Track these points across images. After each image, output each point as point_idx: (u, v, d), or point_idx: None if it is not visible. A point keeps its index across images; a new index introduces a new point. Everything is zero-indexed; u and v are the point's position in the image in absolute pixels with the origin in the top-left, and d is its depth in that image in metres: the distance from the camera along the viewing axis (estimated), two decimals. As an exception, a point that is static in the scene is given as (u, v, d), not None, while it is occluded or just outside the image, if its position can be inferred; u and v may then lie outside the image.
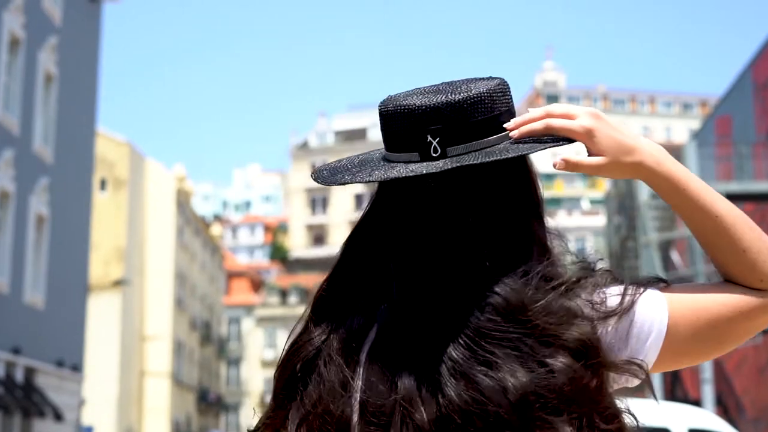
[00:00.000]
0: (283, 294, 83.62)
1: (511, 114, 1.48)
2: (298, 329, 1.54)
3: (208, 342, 67.31)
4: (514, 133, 1.45)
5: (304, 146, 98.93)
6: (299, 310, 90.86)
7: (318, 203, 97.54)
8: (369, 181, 1.43)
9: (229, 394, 78.87)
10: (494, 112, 1.45)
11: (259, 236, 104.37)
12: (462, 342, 1.37)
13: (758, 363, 22.41)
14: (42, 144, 28.38)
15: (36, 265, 27.98)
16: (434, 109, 1.42)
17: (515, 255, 1.43)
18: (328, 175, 1.51)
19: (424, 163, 1.42)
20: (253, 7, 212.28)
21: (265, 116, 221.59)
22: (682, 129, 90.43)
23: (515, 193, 1.47)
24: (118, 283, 44.44)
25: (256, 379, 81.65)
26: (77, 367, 30.96)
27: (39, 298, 27.91)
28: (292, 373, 1.49)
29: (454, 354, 1.36)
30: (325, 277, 1.57)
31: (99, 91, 33.76)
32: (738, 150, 23.89)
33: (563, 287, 1.40)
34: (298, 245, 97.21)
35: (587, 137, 1.44)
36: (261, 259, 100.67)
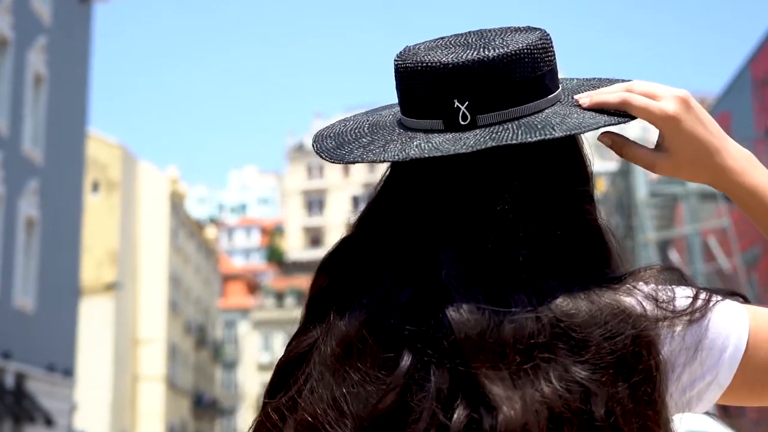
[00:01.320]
0: (280, 297, 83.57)
1: (554, 74, 1.25)
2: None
3: (203, 345, 67.22)
4: (585, 101, 1.23)
5: (300, 148, 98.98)
6: (296, 313, 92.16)
7: (314, 205, 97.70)
8: (383, 160, 1.19)
9: (225, 398, 78.82)
10: (536, 72, 1.21)
11: (256, 239, 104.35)
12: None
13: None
14: (32, 146, 28.22)
15: (26, 268, 27.83)
16: (463, 67, 1.18)
17: (561, 248, 1.18)
18: (333, 147, 1.26)
19: (450, 135, 1.18)
20: (248, 6, 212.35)
21: (261, 117, 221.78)
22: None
23: (561, 172, 1.22)
24: (110, 287, 44.32)
25: (252, 382, 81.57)
26: (69, 372, 30.80)
27: (29, 302, 27.77)
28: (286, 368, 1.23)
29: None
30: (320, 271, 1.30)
31: (90, 92, 33.59)
32: (737, 147, 23.73)
33: (619, 281, 1.18)
34: (295, 247, 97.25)
35: (667, 125, 1.23)
36: (257, 262, 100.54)
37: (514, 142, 1.14)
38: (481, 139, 1.15)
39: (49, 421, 27.13)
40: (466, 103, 1.18)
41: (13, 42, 26.87)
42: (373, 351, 1.15)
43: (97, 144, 43.94)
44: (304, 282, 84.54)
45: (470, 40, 1.23)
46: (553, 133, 1.15)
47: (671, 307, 1.16)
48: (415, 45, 1.26)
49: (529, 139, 1.14)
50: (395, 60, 1.25)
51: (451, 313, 1.12)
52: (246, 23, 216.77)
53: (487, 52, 1.19)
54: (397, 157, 1.18)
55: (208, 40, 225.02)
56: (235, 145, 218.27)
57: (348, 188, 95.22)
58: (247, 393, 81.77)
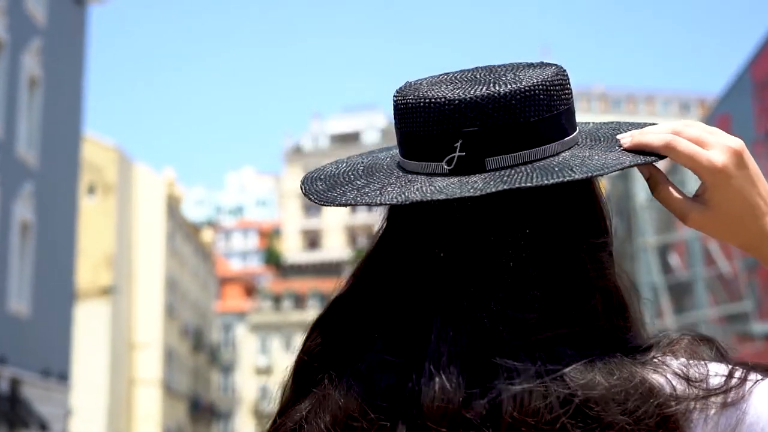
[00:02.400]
0: (277, 300, 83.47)
1: (572, 114, 1.12)
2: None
3: (200, 349, 67.14)
4: (626, 141, 1.10)
5: (297, 150, 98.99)
6: (293, 316, 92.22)
7: (312, 207, 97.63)
8: (380, 204, 1.06)
9: (222, 402, 78.69)
10: (552, 111, 1.08)
11: (253, 241, 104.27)
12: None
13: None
14: (26, 149, 28.09)
15: (21, 272, 27.73)
16: (471, 104, 1.06)
17: (576, 309, 1.04)
18: (323, 189, 1.14)
19: (455, 179, 1.06)
20: (244, 7, 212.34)
21: (258, 118, 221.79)
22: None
23: (577, 222, 1.09)
24: (106, 290, 44.24)
25: (249, 386, 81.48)
26: (64, 377, 30.68)
27: (24, 307, 27.68)
28: None
29: None
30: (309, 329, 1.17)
31: (86, 95, 33.53)
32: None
33: (644, 352, 1.03)
34: (293, 250, 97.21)
35: (713, 178, 1.09)
36: (254, 265, 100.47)
37: (528, 185, 1.01)
38: (491, 183, 1.03)
39: (44, 427, 27.05)
40: (474, 145, 1.05)
41: (7, 44, 26.74)
42: (369, 428, 1.02)
43: (92, 146, 43.85)
44: (301, 285, 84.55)
45: (478, 75, 1.11)
46: (573, 174, 1.03)
47: (704, 386, 1.00)
48: (418, 80, 1.14)
49: (546, 182, 1.01)
50: (395, 96, 1.12)
51: (428, 391, 1.00)
52: (242, 24, 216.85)
53: (497, 88, 1.06)
54: (395, 200, 1.05)
55: (204, 41, 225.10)
56: (232, 146, 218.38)
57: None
58: (244, 397, 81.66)
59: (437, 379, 1.00)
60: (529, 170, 1.05)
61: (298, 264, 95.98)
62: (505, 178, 1.03)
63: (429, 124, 1.07)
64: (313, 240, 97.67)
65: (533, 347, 1.00)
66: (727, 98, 26.03)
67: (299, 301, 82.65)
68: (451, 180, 1.06)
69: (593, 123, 1.22)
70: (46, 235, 29.35)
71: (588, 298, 1.05)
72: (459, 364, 1.00)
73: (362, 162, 1.19)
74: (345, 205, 1.08)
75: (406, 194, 1.05)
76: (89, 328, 42.19)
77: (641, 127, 1.16)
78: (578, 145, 1.12)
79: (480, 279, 1.04)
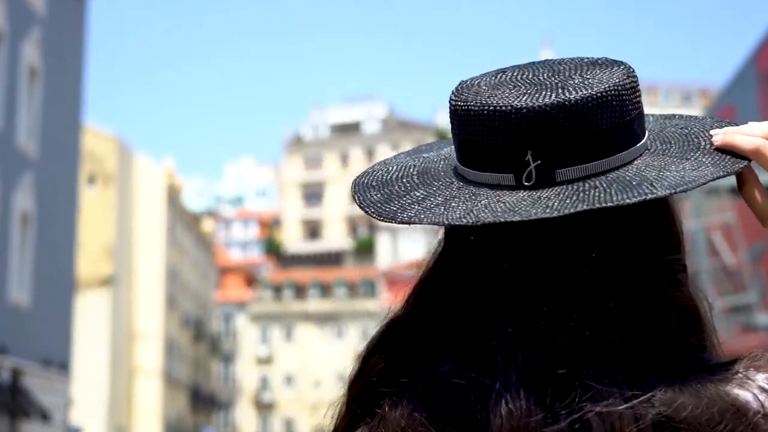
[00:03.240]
0: (277, 290, 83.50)
1: (642, 117, 1.06)
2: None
3: (201, 339, 67.17)
4: (717, 139, 1.04)
5: (297, 140, 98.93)
6: (294, 306, 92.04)
7: (313, 197, 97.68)
8: (449, 223, 0.99)
9: (223, 392, 78.77)
10: (624, 118, 1.02)
11: (253, 231, 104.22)
12: None
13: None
14: (26, 139, 28.02)
15: (21, 263, 27.71)
16: (540, 113, 0.99)
17: (654, 331, 1.00)
18: (380, 201, 1.06)
19: (524, 193, 1.00)
20: None
21: (258, 107, 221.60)
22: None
23: (651, 236, 1.03)
24: (107, 281, 44.23)
25: (249, 376, 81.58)
26: (65, 367, 30.66)
27: (24, 297, 27.67)
28: None
29: None
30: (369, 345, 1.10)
31: (86, 85, 33.43)
32: (742, 141, 23.64)
33: (725, 369, 0.99)
34: (293, 240, 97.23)
35: None
36: (255, 255, 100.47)
37: (609, 204, 0.96)
38: (567, 201, 0.97)
39: (44, 417, 27.04)
40: (543, 156, 0.99)
41: (7, 34, 26.64)
42: None
43: (92, 137, 43.81)
44: (302, 275, 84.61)
45: (542, 77, 1.04)
46: (654, 191, 0.97)
47: None
48: (473, 80, 1.06)
49: (627, 201, 0.96)
50: (453, 99, 1.05)
51: (498, 412, 0.95)
52: (242, 14, 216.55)
53: (568, 95, 0.99)
54: (464, 220, 0.98)
55: (204, 31, 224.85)
56: (231, 136, 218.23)
57: (347, 180, 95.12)
58: (245, 386, 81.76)
59: (508, 401, 0.95)
60: (605, 184, 0.98)
61: (298, 254, 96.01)
62: (581, 195, 0.98)
63: (494, 133, 1.01)
64: (313, 230, 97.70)
65: (615, 369, 0.96)
66: (732, 90, 25.91)
67: (300, 291, 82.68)
68: (521, 195, 1.00)
69: (653, 116, 1.15)
70: (46, 226, 29.32)
71: (666, 317, 1.00)
72: (531, 385, 0.96)
73: (414, 165, 1.12)
74: (409, 223, 1.00)
75: (475, 212, 0.99)
76: (90, 318, 42.19)
77: (710, 127, 1.09)
78: (649, 150, 1.05)
79: (553, 298, 0.98)
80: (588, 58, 1.08)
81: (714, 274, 21.98)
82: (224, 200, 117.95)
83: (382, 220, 1.03)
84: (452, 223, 0.98)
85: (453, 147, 1.10)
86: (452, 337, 1.02)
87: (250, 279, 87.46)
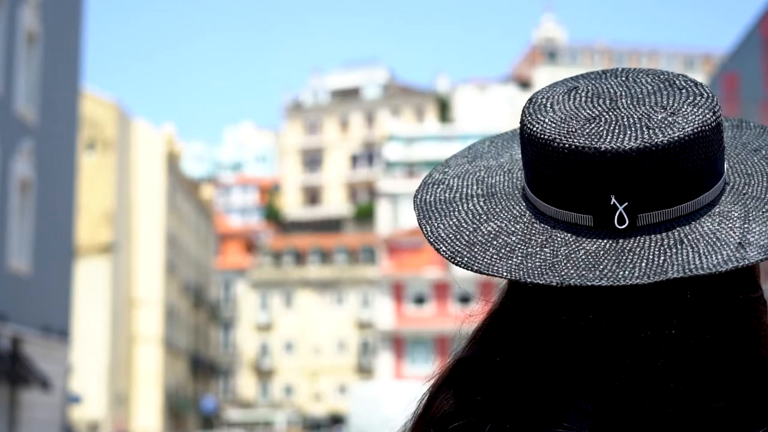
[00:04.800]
0: (277, 256, 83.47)
1: (724, 150, 1.00)
2: None
3: (200, 306, 67.23)
4: None
5: (297, 105, 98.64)
6: (293, 272, 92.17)
7: (312, 163, 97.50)
8: (532, 281, 0.94)
9: (222, 359, 78.96)
10: (710, 158, 0.97)
11: (253, 197, 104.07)
12: None
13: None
14: (25, 105, 27.84)
15: (21, 230, 27.62)
16: (625, 157, 0.94)
17: (741, 377, 0.95)
18: (451, 236, 1.00)
19: (606, 242, 0.95)
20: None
21: (257, 72, 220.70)
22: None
23: (732, 284, 0.98)
24: (106, 247, 44.19)
25: (249, 342, 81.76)
26: (64, 334, 30.65)
27: (24, 264, 27.59)
28: None
29: None
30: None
31: (85, 50, 33.22)
32: (746, 108, 23.51)
33: None
34: (293, 206, 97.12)
35: None
36: (254, 221, 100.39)
37: (701, 272, 0.91)
38: (655, 261, 0.92)
39: (45, 384, 27.02)
40: (627, 199, 0.94)
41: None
42: None
43: (91, 103, 43.61)
44: (302, 241, 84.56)
45: (622, 107, 0.97)
46: (746, 255, 0.92)
47: None
48: (546, 99, 1.01)
49: (719, 269, 0.91)
50: (528, 126, 1.00)
51: None
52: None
53: (654, 138, 0.94)
54: (547, 278, 0.93)
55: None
56: (231, 101, 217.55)
57: (346, 145, 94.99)
58: (245, 353, 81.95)
59: None
60: (691, 239, 0.94)
61: (298, 220, 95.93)
62: (669, 253, 0.93)
63: (574, 174, 0.95)
64: (313, 196, 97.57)
65: (703, 420, 0.93)
66: (736, 56, 25.75)
67: (299, 257, 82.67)
68: (602, 243, 0.95)
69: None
70: (45, 193, 29.22)
71: (755, 361, 0.95)
72: None
73: (477, 180, 1.05)
74: (485, 273, 0.94)
75: (558, 268, 0.93)
76: (89, 285, 42.16)
77: None
78: (728, 185, 1.00)
79: (635, 349, 0.94)
80: (665, 75, 1.01)
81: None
82: (224, 166, 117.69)
83: (455, 264, 0.96)
84: (534, 281, 0.93)
85: (513, 155, 1.07)
86: (523, 384, 0.97)
87: (250, 245, 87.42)
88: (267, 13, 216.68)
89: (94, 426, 44.45)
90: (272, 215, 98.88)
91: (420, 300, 58.81)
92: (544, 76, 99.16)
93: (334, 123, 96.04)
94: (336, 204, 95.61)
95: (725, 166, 1.01)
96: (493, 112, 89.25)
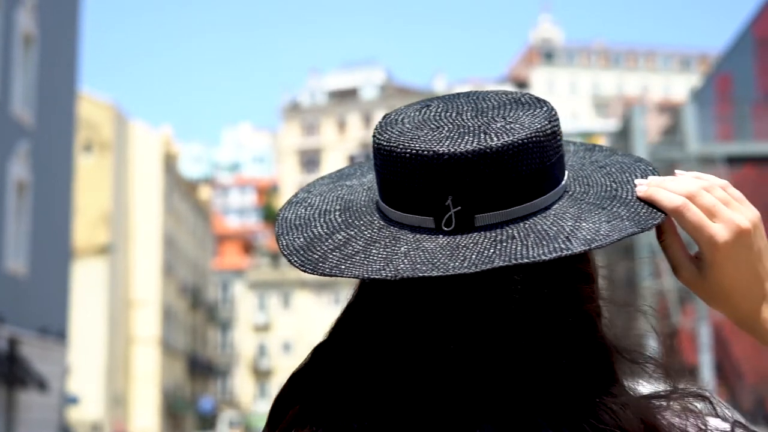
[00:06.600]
0: (275, 257, 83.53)
1: (562, 160, 1.07)
2: None
3: (198, 307, 67.26)
4: (642, 190, 1.06)
5: (295, 106, 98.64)
6: (291, 273, 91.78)
7: (310, 164, 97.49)
8: (367, 276, 0.99)
9: (220, 359, 78.98)
10: (545, 163, 1.03)
11: (251, 198, 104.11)
12: None
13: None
14: (22, 107, 27.89)
15: (18, 231, 27.68)
16: (461, 159, 1.00)
17: (568, 370, 1.01)
18: (304, 246, 1.06)
19: (444, 239, 1.00)
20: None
21: (255, 73, 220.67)
22: (682, 86, 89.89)
23: (566, 276, 1.04)
24: (104, 249, 44.21)
25: (247, 343, 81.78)
26: (62, 335, 30.69)
27: (21, 266, 27.65)
28: None
29: None
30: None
31: (81, 52, 33.26)
32: (738, 110, 23.54)
33: (639, 409, 1.01)
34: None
35: (709, 253, 1.06)
36: (252, 222, 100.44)
37: (526, 260, 0.97)
38: (485, 253, 0.98)
39: (42, 385, 27.04)
40: (464, 200, 1.00)
41: (1, 1, 26.46)
42: None
43: (88, 104, 43.65)
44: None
45: (465, 118, 1.04)
46: (570, 246, 0.98)
47: None
48: (398, 115, 1.07)
49: (543, 258, 0.97)
50: (376, 137, 1.05)
51: None
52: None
53: (490, 141, 1.00)
54: (383, 273, 0.98)
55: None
56: (228, 102, 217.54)
57: (344, 146, 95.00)
58: (243, 354, 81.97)
59: None
60: (522, 234, 0.99)
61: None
62: (499, 247, 0.98)
63: (415, 177, 1.01)
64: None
65: (511, 421, 0.98)
66: (729, 57, 25.77)
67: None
68: (440, 241, 1.00)
69: (575, 147, 1.16)
70: (42, 194, 29.26)
71: (584, 348, 1.01)
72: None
73: (337, 198, 1.12)
74: (329, 275, 1.00)
75: (394, 264, 0.98)
76: (87, 286, 42.17)
77: (629, 169, 1.10)
78: (568, 192, 1.06)
79: (466, 339, 0.99)
80: (512, 94, 1.08)
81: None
82: (221, 167, 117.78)
83: (305, 271, 1.02)
84: (371, 276, 0.98)
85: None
86: (368, 389, 1.02)
87: (248, 246, 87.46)
88: (264, 13, 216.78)
89: (96, 427, 44.51)
90: (270, 216, 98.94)
91: (417, 300, 58.93)
92: (541, 77, 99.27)
93: (332, 124, 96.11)
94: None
95: (568, 175, 1.08)
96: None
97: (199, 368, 66.42)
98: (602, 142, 27.28)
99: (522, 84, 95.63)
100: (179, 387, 60.15)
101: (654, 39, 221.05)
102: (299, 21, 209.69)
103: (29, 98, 28.57)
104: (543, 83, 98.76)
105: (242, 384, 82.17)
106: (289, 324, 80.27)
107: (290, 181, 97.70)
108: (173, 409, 58.12)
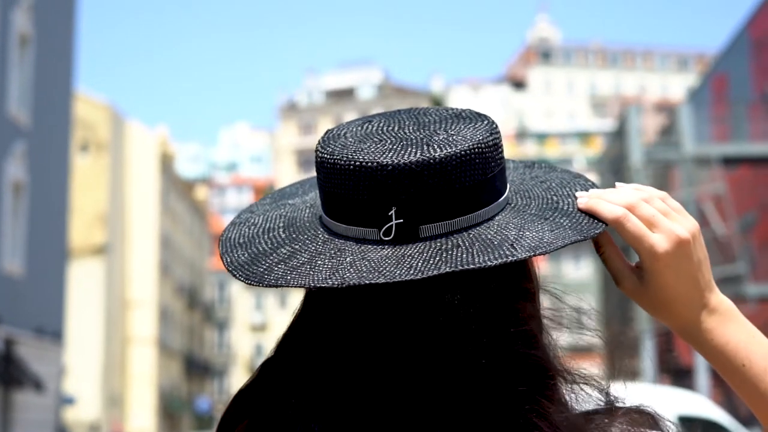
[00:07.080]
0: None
1: (504, 173, 1.09)
2: None
3: (195, 307, 67.22)
4: (582, 202, 1.09)
5: (292, 106, 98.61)
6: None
7: (307, 163, 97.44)
8: (313, 286, 1.00)
9: (217, 359, 78.97)
10: (487, 175, 1.05)
11: (248, 198, 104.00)
12: None
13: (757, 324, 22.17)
14: (18, 107, 27.87)
15: (14, 232, 27.67)
16: (405, 170, 1.01)
17: (503, 380, 1.01)
18: (247, 262, 1.06)
19: (388, 249, 1.01)
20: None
21: (252, 73, 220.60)
22: (679, 85, 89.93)
23: (506, 284, 1.05)
24: (100, 249, 44.19)
25: (244, 343, 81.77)
26: (58, 335, 30.68)
27: (17, 266, 27.64)
28: None
29: None
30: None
31: (77, 52, 33.26)
32: (734, 110, 23.52)
33: (581, 425, 1.03)
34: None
35: (650, 264, 1.08)
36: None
37: (472, 266, 0.98)
38: (431, 261, 0.99)
39: (38, 386, 27.05)
40: (408, 211, 1.01)
41: (-3, 1, 26.45)
42: None
43: (84, 104, 43.65)
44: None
45: (408, 131, 1.05)
46: (515, 253, 1.00)
47: None
48: (340, 129, 1.09)
49: (489, 264, 0.98)
50: (318, 151, 1.06)
51: None
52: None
53: (432, 153, 1.01)
54: (330, 281, 0.99)
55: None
56: (225, 101, 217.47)
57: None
58: (239, 354, 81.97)
59: None
60: (467, 243, 1.01)
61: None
62: (444, 255, 0.99)
63: (359, 189, 1.02)
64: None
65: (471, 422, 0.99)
66: (725, 58, 25.77)
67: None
68: (385, 251, 1.01)
69: (514, 164, 1.19)
70: (39, 194, 29.25)
71: (517, 355, 1.02)
72: None
73: (280, 215, 1.13)
74: (276, 286, 1.01)
75: (341, 273, 0.99)
76: (83, 286, 42.18)
77: (568, 183, 1.13)
78: (510, 205, 1.09)
79: (408, 346, 1.01)
80: (453, 110, 1.10)
81: (705, 245, 22.06)
82: (219, 166, 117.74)
83: (249, 284, 1.02)
84: (318, 285, 0.99)
85: (317, 193, 1.11)
86: (316, 397, 1.03)
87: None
88: (261, 13, 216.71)
89: (93, 427, 44.48)
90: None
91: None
92: (538, 77, 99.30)
93: (329, 123, 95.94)
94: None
95: (510, 189, 1.10)
96: (487, 112, 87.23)
97: (195, 368, 66.40)
98: (599, 141, 27.24)
99: (519, 84, 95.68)
100: (176, 387, 60.14)
101: (651, 39, 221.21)
102: (296, 21, 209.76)
103: (25, 98, 28.56)
104: (540, 83, 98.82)
105: (239, 384, 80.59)
106: (285, 324, 79.90)
107: (287, 181, 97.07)
108: (170, 409, 58.11)
